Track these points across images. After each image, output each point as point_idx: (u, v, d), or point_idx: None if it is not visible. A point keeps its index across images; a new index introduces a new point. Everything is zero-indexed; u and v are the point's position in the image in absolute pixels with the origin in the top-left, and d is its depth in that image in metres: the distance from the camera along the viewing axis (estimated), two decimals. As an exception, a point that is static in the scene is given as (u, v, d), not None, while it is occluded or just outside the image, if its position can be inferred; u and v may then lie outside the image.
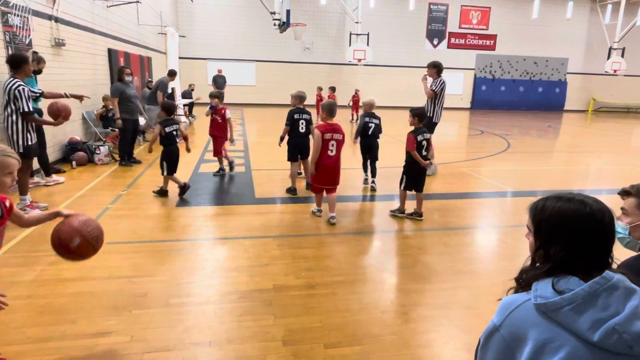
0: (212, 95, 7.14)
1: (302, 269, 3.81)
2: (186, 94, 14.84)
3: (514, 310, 1.21)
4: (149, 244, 4.32)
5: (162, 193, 5.91)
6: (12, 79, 4.94)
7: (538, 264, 1.28)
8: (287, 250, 4.21)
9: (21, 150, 4.94)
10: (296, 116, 6.14)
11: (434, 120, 7.35)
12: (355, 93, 17.33)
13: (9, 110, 4.94)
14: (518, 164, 9.56)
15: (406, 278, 3.80)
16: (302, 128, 6.17)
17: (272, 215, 5.36)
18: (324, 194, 5.20)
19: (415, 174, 5.17)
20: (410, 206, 5.38)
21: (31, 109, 5.05)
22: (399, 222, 5.23)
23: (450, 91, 24.32)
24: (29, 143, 5.07)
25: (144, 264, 3.82)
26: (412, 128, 5.15)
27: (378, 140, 6.74)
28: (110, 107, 8.55)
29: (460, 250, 4.42)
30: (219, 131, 7.15)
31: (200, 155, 8.90)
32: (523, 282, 1.28)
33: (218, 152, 7.23)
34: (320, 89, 17.32)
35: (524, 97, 25.44)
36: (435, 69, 7.37)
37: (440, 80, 7.35)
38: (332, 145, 4.93)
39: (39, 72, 6.24)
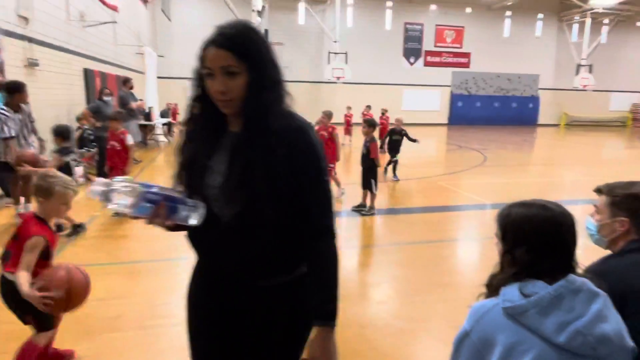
0: (111, 118, 6.05)
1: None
2: (164, 114, 14.75)
3: (483, 315, 1.22)
4: (124, 265, 4.21)
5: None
6: None
7: (505, 269, 1.30)
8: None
9: None
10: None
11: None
12: (348, 112, 14.96)
13: None
14: (495, 177, 9.76)
15: (385, 292, 3.79)
16: None
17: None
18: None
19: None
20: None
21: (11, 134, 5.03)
22: (377, 236, 5.24)
23: (428, 107, 24.99)
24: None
25: (118, 286, 3.71)
26: (371, 137, 6.09)
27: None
28: (86, 126, 8.41)
29: (440, 263, 4.44)
30: (118, 161, 5.86)
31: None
32: (492, 287, 1.29)
33: None
34: (349, 108, 15.28)
35: (499, 112, 26.15)
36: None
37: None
38: None
39: None
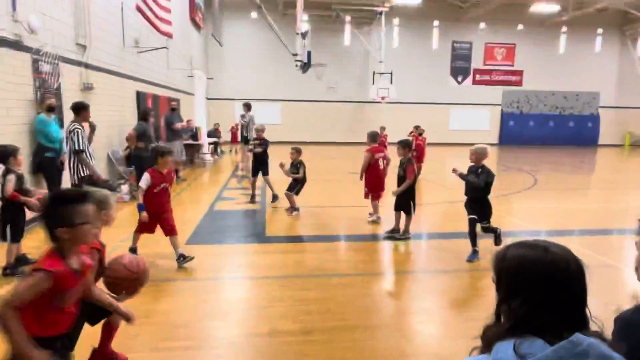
0: (162, 153, 4.71)
1: (301, 312, 3.65)
2: (211, 133, 15.27)
3: (471, 376, 1.06)
4: (151, 283, 4.26)
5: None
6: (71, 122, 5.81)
7: (502, 321, 1.13)
8: (289, 292, 4.06)
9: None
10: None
11: None
12: (382, 132, 12.49)
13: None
14: (545, 201, 9.13)
15: (410, 325, 3.56)
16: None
17: (279, 255, 5.25)
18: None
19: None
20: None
21: (81, 148, 5.69)
22: (411, 262, 5.00)
23: (476, 127, 24.17)
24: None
25: (141, 304, 3.74)
26: (407, 158, 5.86)
27: None
28: (133, 147, 8.85)
29: (473, 295, 4.14)
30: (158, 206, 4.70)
31: (218, 193, 8.99)
32: (485, 340, 1.13)
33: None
34: (383, 128, 14.04)
35: (554, 132, 24.78)
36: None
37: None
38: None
39: (52, 109, 6.35)
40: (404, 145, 5.94)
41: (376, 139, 6.77)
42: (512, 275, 1.08)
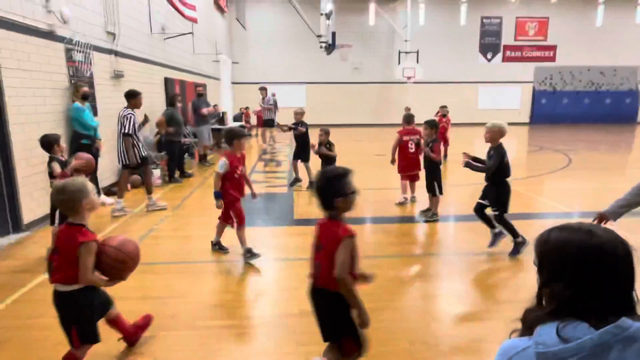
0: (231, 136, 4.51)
1: (331, 293, 3.70)
2: (237, 117, 15.41)
3: (512, 358, 1.06)
4: (185, 264, 4.42)
5: None
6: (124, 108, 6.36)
7: (544, 304, 1.12)
8: (319, 274, 4.12)
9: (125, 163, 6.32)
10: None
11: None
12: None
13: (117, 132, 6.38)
14: (580, 181, 8.84)
15: (441, 307, 3.57)
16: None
17: (309, 236, 5.29)
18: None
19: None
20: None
21: (129, 132, 6.20)
22: (439, 244, 4.97)
23: (507, 106, 23.44)
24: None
25: (178, 285, 3.90)
26: (433, 138, 5.87)
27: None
28: (163, 132, 9.03)
29: (503, 278, 4.10)
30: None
31: (246, 177, 9.11)
32: (526, 324, 1.12)
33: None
34: (408, 109, 12.52)
35: (589, 109, 23.75)
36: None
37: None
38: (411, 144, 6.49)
39: (86, 97, 6.52)
40: (430, 125, 5.93)
41: (410, 121, 6.71)
42: (556, 259, 1.07)
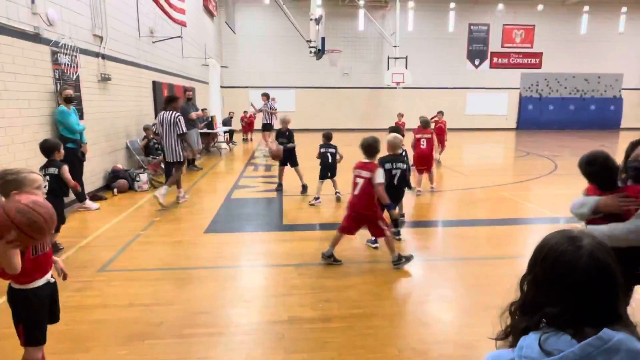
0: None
1: (320, 299, 3.69)
2: (226, 122, 15.33)
3: (496, 370, 1.06)
4: (172, 271, 4.37)
5: None
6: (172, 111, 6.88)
7: (527, 311, 1.12)
8: (307, 280, 4.10)
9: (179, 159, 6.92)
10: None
11: None
12: (400, 119, 13.42)
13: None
14: (566, 187, 8.94)
15: (430, 313, 3.57)
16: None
17: (297, 242, 5.29)
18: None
19: None
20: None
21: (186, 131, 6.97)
22: (426, 250, 4.99)
23: (494, 111, 23.72)
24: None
25: (164, 292, 3.85)
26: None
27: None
28: (151, 136, 8.95)
29: (491, 283, 4.12)
30: None
31: (235, 182, 9.06)
32: (509, 331, 1.13)
33: None
34: (401, 115, 14.16)
35: (574, 115, 24.18)
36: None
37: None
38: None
39: (70, 100, 6.36)
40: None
41: (425, 126, 7.96)
42: (547, 272, 1.08)
